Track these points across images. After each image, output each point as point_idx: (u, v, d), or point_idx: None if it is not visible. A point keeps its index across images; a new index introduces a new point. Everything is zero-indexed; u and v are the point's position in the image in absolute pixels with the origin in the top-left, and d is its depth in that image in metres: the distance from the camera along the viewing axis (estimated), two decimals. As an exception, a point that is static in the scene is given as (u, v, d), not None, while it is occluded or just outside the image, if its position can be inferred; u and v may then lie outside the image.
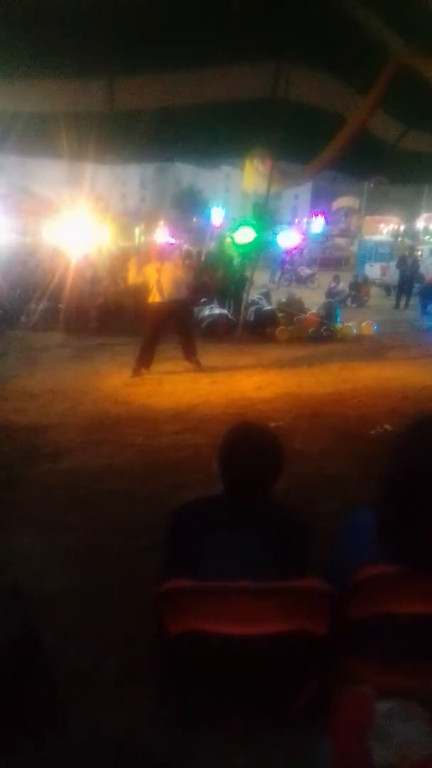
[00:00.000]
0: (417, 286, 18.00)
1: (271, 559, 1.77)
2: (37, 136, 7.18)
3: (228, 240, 14.25)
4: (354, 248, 33.32)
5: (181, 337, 8.14)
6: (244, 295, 11.74)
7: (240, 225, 12.49)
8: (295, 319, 11.48)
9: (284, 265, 25.02)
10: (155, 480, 4.54)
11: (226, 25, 5.70)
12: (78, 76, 6.13)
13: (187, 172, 65.19)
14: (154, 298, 7.74)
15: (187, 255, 13.80)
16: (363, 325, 11.92)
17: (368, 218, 41.89)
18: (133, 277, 8.12)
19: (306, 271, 24.23)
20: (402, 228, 41.00)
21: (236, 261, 13.41)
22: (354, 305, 17.33)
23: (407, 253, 19.78)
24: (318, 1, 5.53)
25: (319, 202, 58.23)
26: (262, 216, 16.31)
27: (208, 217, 39.73)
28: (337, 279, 18.18)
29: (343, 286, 18.15)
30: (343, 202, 49.65)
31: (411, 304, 17.57)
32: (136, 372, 7.72)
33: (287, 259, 25.26)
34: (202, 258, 15.23)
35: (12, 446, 5.20)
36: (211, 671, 1.74)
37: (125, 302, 10.96)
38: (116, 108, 6.64)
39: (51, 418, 5.97)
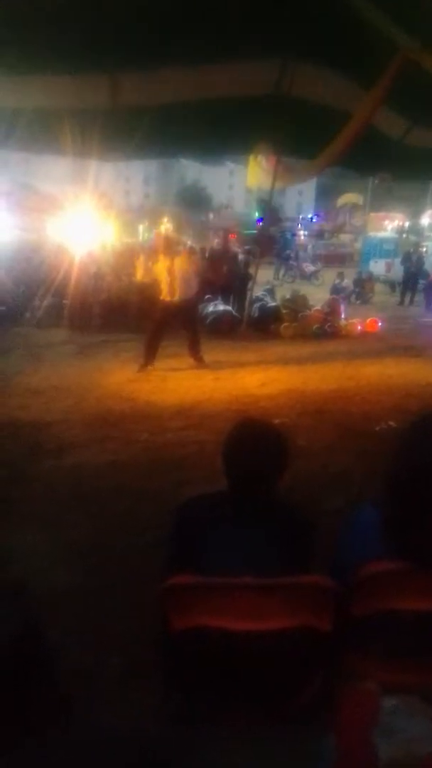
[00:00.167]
0: (422, 282, 17.96)
1: (276, 555, 1.77)
2: (41, 132, 7.18)
3: (233, 236, 14.23)
4: (358, 245, 33.22)
5: (187, 333, 8.10)
6: (248, 292, 11.74)
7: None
8: (299, 315, 11.45)
9: (288, 261, 24.98)
10: (159, 476, 4.54)
11: (231, 21, 5.68)
12: (82, 72, 6.12)
13: (191, 169, 65.13)
14: (166, 296, 7.69)
15: (191, 252, 13.78)
16: (367, 321, 11.89)
17: (373, 215, 41.74)
18: (141, 275, 8.02)
19: (310, 268, 24.19)
20: (407, 224, 40.83)
21: (240, 257, 13.40)
22: (358, 302, 17.29)
23: (412, 250, 19.72)
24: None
25: (324, 198, 58.14)
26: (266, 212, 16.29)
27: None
28: (341, 275, 18.14)
29: (348, 282, 18.11)
30: (348, 198, 49.46)
31: (416, 300, 17.53)
32: (143, 368, 7.71)
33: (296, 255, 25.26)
34: (206, 254, 15.21)
35: (16, 443, 5.21)
36: (215, 667, 1.74)
37: (129, 299, 10.96)
38: (120, 104, 6.63)
39: (55, 415, 5.98)
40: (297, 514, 1.91)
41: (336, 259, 30.15)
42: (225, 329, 10.58)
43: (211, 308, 11.18)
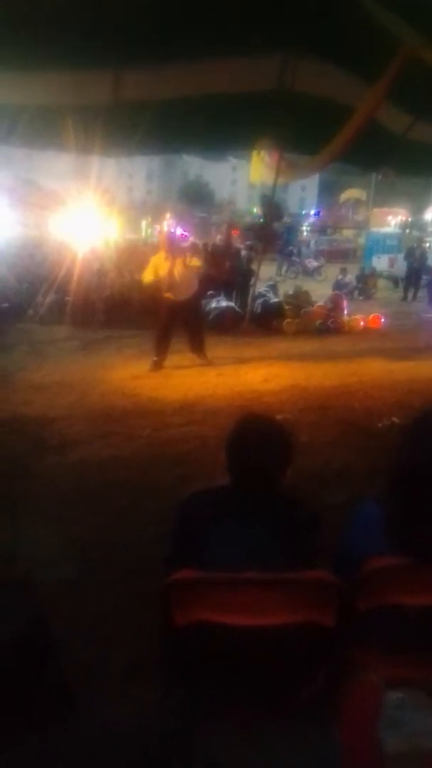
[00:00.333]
0: (425, 278, 17.91)
1: (278, 551, 1.77)
2: (44, 128, 7.17)
3: (235, 232, 14.21)
4: (361, 240, 33.13)
5: (191, 330, 8.05)
6: (251, 288, 11.73)
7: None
8: (301, 311, 11.44)
9: (291, 257, 24.94)
10: (162, 472, 4.54)
11: (233, 16, 5.66)
12: (84, 67, 6.10)
13: (193, 165, 64.99)
14: (169, 294, 7.63)
15: (194, 248, 13.76)
16: (370, 317, 11.88)
17: (376, 210, 41.65)
18: (147, 277, 7.84)
19: (313, 264, 24.12)
20: (410, 220, 40.75)
21: (243, 253, 13.38)
22: (361, 297, 17.25)
23: (415, 245, 19.66)
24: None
25: (326, 193, 57.99)
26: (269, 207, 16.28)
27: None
28: (344, 271, 18.11)
29: (351, 278, 18.08)
30: (351, 193, 49.35)
31: (419, 296, 17.48)
32: (156, 365, 7.69)
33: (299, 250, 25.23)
34: (208, 250, 15.18)
35: (19, 438, 5.22)
36: (217, 663, 1.74)
37: (132, 295, 10.95)
38: (122, 99, 6.61)
39: (58, 411, 5.99)
40: (300, 509, 1.92)
41: (339, 254, 30.06)
42: (227, 325, 10.58)
43: (213, 304, 11.17)
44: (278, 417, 4.92)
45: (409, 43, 5.68)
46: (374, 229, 32.58)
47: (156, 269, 7.58)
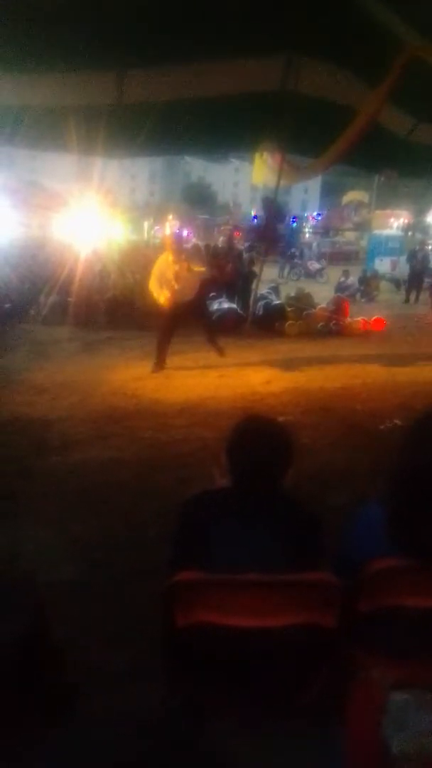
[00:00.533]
0: (427, 280, 17.91)
1: (280, 552, 1.77)
2: (47, 129, 7.18)
3: (237, 234, 14.22)
4: (364, 243, 33.15)
5: (203, 326, 8.18)
6: (253, 290, 11.73)
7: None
8: (304, 313, 11.44)
9: (293, 259, 24.96)
10: (164, 473, 4.55)
11: (237, 18, 5.67)
12: (87, 69, 6.11)
13: (196, 166, 65.17)
14: (173, 297, 7.54)
15: (196, 249, 13.77)
16: (372, 320, 11.87)
17: (378, 212, 41.64)
18: (155, 286, 7.71)
19: (315, 266, 24.15)
20: (412, 222, 40.72)
21: (245, 255, 13.39)
22: (363, 300, 17.25)
23: (418, 248, 19.69)
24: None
25: (329, 196, 58.03)
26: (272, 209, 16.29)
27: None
28: (346, 273, 18.12)
29: (353, 280, 18.08)
30: (353, 196, 49.36)
31: (421, 298, 17.48)
32: (157, 367, 7.66)
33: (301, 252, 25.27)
34: (210, 252, 15.21)
35: (21, 439, 5.22)
36: (219, 664, 1.74)
37: (134, 296, 10.96)
38: (126, 101, 6.62)
39: (60, 412, 5.99)
40: (302, 510, 1.91)
41: (341, 257, 30.11)
42: (229, 327, 10.56)
43: (215, 306, 11.17)
44: (280, 419, 4.93)
45: (412, 45, 5.69)
46: (376, 232, 32.58)
47: (163, 273, 7.52)
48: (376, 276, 19.53)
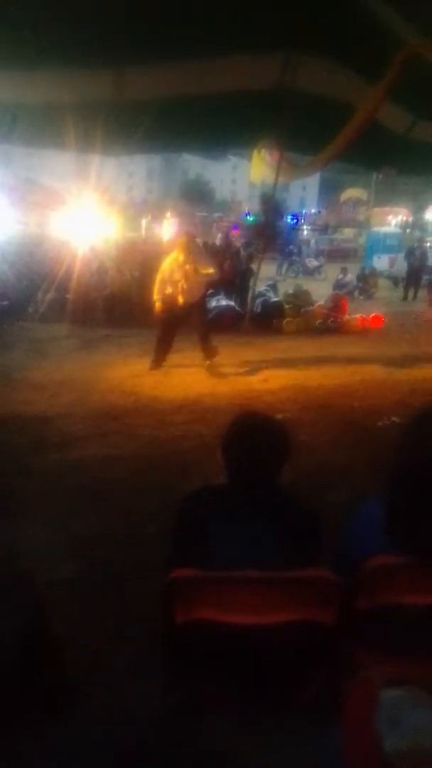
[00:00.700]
0: (425, 278, 17.90)
1: (278, 549, 1.77)
2: (44, 126, 7.17)
3: (235, 232, 14.19)
4: (362, 240, 33.14)
5: (201, 329, 7.82)
6: (251, 287, 11.72)
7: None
8: (302, 310, 11.43)
9: (291, 256, 24.95)
10: (162, 470, 4.55)
11: (234, 15, 5.66)
12: (86, 65, 6.10)
13: (194, 164, 65.05)
14: (177, 297, 7.46)
15: (200, 249, 13.71)
16: (371, 317, 11.87)
17: (376, 209, 41.68)
18: (162, 287, 7.60)
19: (313, 263, 24.15)
20: (411, 219, 40.72)
21: (242, 253, 13.37)
22: (362, 297, 17.25)
23: (416, 245, 19.66)
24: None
25: (327, 193, 57.99)
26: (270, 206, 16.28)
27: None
28: (344, 271, 18.12)
29: (351, 277, 18.09)
30: (351, 193, 49.40)
31: (419, 296, 17.48)
32: (156, 363, 7.63)
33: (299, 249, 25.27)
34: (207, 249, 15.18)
35: (20, 437, 5.22)
36: (218, 661, 1.74)
37: (132, 293, 10.95)
38: (124, 98, 6.61)
39: (58, 409, 5.99)
40: (300, 507, 1.92)
41: (339, 254, 30.07)
42: (227, 324, 10.55)
43: (213, 303, 11.16)
44: (278, 416, 4.94)
45: (411, 42, 5.69)
46: (375, 229, 32.57)
47: (171, 273, 7.44)
48: (375, 273, 19.54)
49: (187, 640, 1.74)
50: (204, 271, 7.46)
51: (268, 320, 11.05)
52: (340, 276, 17.85)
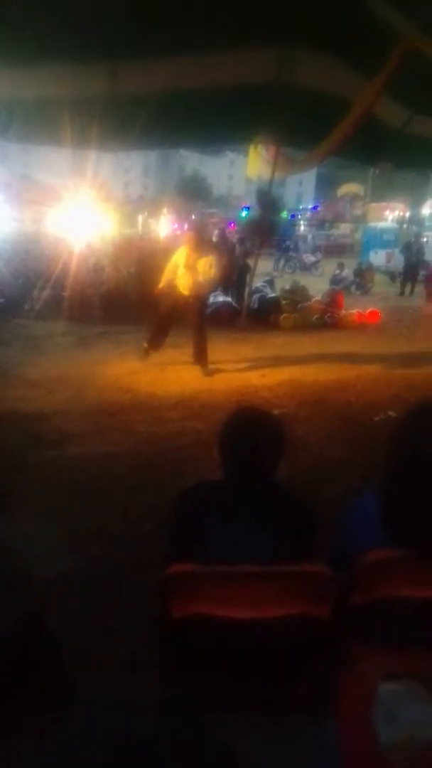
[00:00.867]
0: (422, 273, 17.91)
1: (275, 544, 1.77)
2: (39, 122, 7.13)
3: (232, 227, 14.16)
4: (359, 235, 33.15)
5: (193, 334, 7.61)
6: (247, 283, 11.71)
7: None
8: (298, 306, 11.44)
9: (288, 252, 24.94)
10: (159, 466, 4.55)
11: (230, 8, 5.64)
12: (81, 60, 6.07)
13: (191, 160, 64.98)
14: (180, 288, 7.39)
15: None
16: (367, 312, 11.88)
17: (373, 205, 41.66)
18: (167, 278, 7.56)
19: (310, 259, 24.16)
20: (407, 214, 40.71)
21: (238, 249, 13.36)
22: (358, 292, 17.25)
23: (412, 240, 19.67)
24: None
25: (324, 188, 57.95)
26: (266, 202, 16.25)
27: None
28: (341, 266, 18.13)
29: (348, 273, 18.09)
30: (348, 188, 49.36)
31: (416, 291, 17.49)
32: (146, 353, 7.57)
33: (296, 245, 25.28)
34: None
35: (16, 434, 5.21)
36: (214, 655, 1.75)
37: (129, 290, 10.93)
38: (119, 93, 6.57)
39: (55, 406, 5.98)
40: (296, 502, 1.92)
41: (336, 249, 30.08)
42: (224, 320, 10.56)
43: (210, 299, 11.14)
44: (275, 411, 4.94)
45: (408, 37, 5.67)
46: (372, 224, 32.56)
47: (176, 266, 7.38)
48: (371, 268, 19.52)
49: (184, 635, 1.74)
50: (209, 269, 7.38)
51: (265, 316, 11.05)
52: (337, 271, 17.85)
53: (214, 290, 10.03)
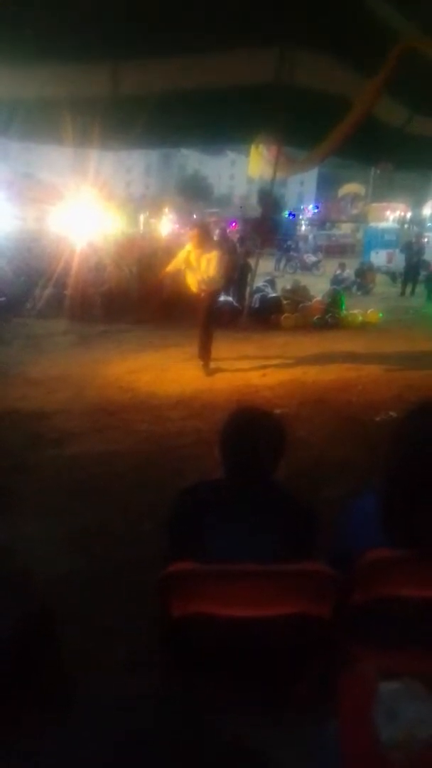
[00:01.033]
0: (423, 273, 17.91)
1: (275, 543, 1.77)
2: (42, 121, 7.14)
3: (234, 226, 14.15)
4: (360, 235, 33.14)
5: (199, 330, 7.63)
6: (248, 283, 11.71)
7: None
8: (299, 306, 11.44)
9: (289, 252, 24.94)
10: (159, 466, 4.55)
11: (231, 9, 5.64)
12: (82, 60, 6.08)
13: (192, 159, 64.97)
14: (195, 289, 7.43)
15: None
16: (368, 312, 11.87)
17: (374, 205, 41.66)
18: (174, 266, 7.55)
19: (311, 258, 24.16)
20: (408, 215, 40.69)
21: (239, 248, 13.35)
22: (359, 292, 17.25)
23: (413, 240, 19.66)
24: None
25: (325, 188, 57.91)
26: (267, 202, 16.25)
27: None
28: (342, 266, 18.12)
29: (349, 273, 18.08)
30: (349, 188, 49.37)
31: (417, 291, 17.48)
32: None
33: (296, 245, 25.28)
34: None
35: (17, 433, 5.21)
36: (214, 655, 1.75)
37: (130, 289, 10.93)
38: (121, 93, 6.59)
39: (55, 405, 5.98)
40: (296, 501, 1.92)
41: (337, 249, 30.11)
42: (225, 320, 10.51)
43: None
44: (276, 411, 4.93)
45: (407, 37, 5.67)
46: (373, 224, 32.55)
47: (181, 262, 7.40)
48: (372, 269, 19.52)
49: (184, 634, 1.74)
50: (214, 266, 7.33)
51: (266, 316, 11.05)
52: (338, 271, 17.85)
53: (225, 288, 9.93)
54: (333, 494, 3.68)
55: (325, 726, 1.49)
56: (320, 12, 5.81)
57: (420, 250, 18.54)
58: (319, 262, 23.67)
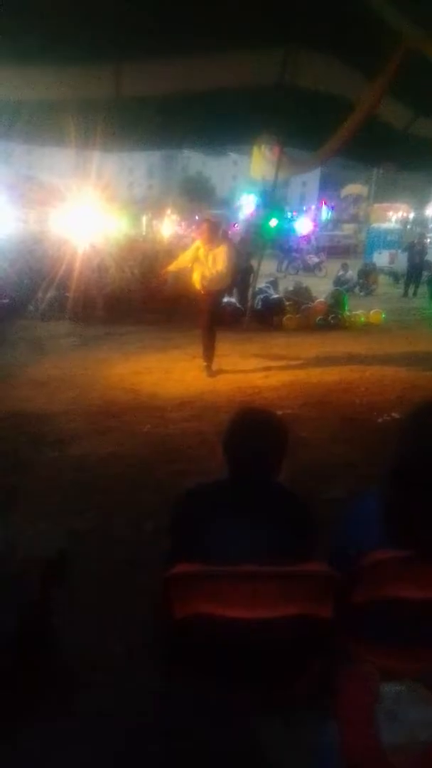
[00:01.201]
0: (426, 274, 17.88)
1: (277, 543, 1.78)
2: (44, 123, 7.15)
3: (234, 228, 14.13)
4: (362, 236, 33.11)
5: (202, 330, 7.58)
6: (251, 284, 11.71)
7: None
8: (302, 307, 11.43)
9: (292, 253, 24.90)
10: (161, 467, 4.55)
11: (234, 11, 5.64)
12: (85, 62, 6.08)
13: (194, 160, 64.97)
14: (199, 287, 7.35)
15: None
16: (371, 313, 11.87)
17: (377, 206, 41.55)
18: (178, 264, 7.53)
19: (314, 259, 24.09)
20: (411, 216, 40.62)
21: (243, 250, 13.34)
22: (362, 293, 17.24)
23: (416, 241, 19.63)
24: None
25: (328, 189, 57.86)
26: (270, 203, 16.25)
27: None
28: (345, 267, 18.09)
29: (351, 274, 18.06)
30: (352, 189, 49.29)
31: (420, 292, 17.46)
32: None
33: (298, 247, 25.21)
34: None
35: (19, 433, 5.22)
36: (216, 655, 1.75)
37: (133, 291, 10.94)
38: (124, 94, 6.60)
39: (58, 406, 5.99)
40: (297, 502, 1.92)
41: (340, 250, 30.06)
42: (228, 321, 10.52)
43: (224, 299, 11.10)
44: (279, 412, 4.93)
45: (410, 37, 5.67)
46: (375, 225, 32.53)
47: (187, 258, 7.37)
48: (375, 269, 19.49)
49: (186, 634, 1.75)
50: (223, 260, 7.24)
51: (268, 317, 11.05)
52: (341, 272, 17.83)
53: (229, 289, 9.84)
54: (336, 495, 3.69)
55: (325, 726, 1.50)
56: (324, 14, 5.80)
57: (423, 250, 18.50)
58: (321, 263, 23.62)
